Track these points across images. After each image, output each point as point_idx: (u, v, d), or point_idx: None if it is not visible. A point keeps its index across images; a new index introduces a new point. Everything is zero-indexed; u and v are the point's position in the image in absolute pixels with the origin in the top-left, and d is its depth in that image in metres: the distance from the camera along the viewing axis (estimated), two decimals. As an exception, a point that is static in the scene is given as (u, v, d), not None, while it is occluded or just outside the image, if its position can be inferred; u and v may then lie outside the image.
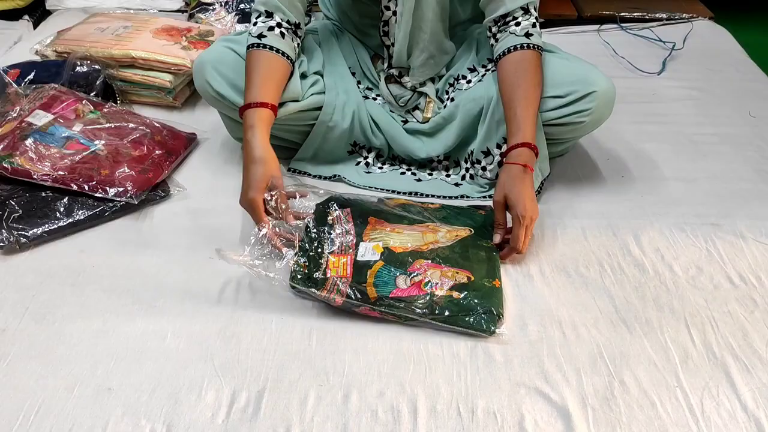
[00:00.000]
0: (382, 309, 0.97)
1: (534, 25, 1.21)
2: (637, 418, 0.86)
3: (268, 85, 1.18)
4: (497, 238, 1.12)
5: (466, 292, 1.00)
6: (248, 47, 1.20)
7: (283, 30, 1.21)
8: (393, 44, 1.30)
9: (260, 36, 1.19)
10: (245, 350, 0.94)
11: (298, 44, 1.25)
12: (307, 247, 1.05)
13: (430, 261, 1.05)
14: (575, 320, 1.00)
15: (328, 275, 1.01)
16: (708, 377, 0.92)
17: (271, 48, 1.19)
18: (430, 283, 1.01)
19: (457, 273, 1.03)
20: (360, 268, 1.03)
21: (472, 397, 0.88)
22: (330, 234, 1.08)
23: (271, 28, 1.20)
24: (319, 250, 1.05)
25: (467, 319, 0.97)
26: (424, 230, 1.12)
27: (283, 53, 1.20)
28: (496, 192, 1.13)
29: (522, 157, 1.12)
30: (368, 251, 1.06)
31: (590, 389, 0.89)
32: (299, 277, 1.01)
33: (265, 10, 1.21)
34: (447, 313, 0.97)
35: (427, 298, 0.99)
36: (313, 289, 0.99)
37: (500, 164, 1.25)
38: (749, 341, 0.97)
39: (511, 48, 1.19)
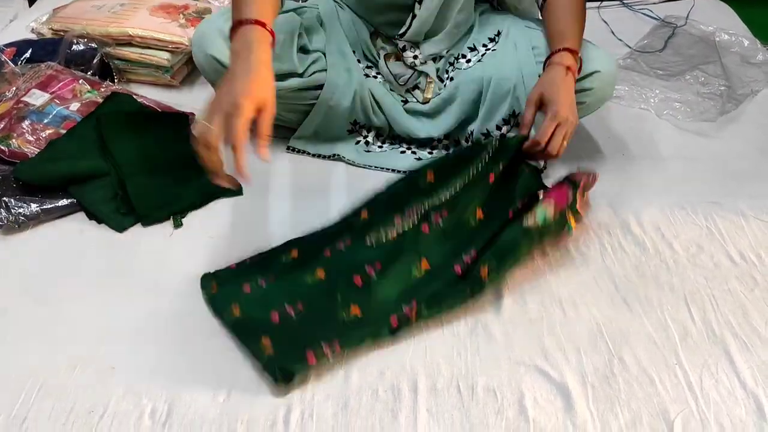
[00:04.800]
0: None
1: None
2: (637, 396, 0.86)
3: (265, 6, 0.98)
4: (524, 131, 1.08)
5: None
6: None
7: None
8: (415, 14, 1.23)
9: None
10: (246, 329, 0.94)
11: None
12: None
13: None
14: (575, 298, 1.00)
15: None
16: (707, 355, 0.92)
17: None
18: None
19: None
20: None
21: (472, 375, 0.88)
22: None
23: None
24: None
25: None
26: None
27: None
28: (533, 90, 1.09)
29: (565, 60, 1.09)
30: None
31: (590, 367, 0.90)
32: None
33: None
34: None
35: None
36: None
37: None
38: (749, 319, 0.97)
39: None
